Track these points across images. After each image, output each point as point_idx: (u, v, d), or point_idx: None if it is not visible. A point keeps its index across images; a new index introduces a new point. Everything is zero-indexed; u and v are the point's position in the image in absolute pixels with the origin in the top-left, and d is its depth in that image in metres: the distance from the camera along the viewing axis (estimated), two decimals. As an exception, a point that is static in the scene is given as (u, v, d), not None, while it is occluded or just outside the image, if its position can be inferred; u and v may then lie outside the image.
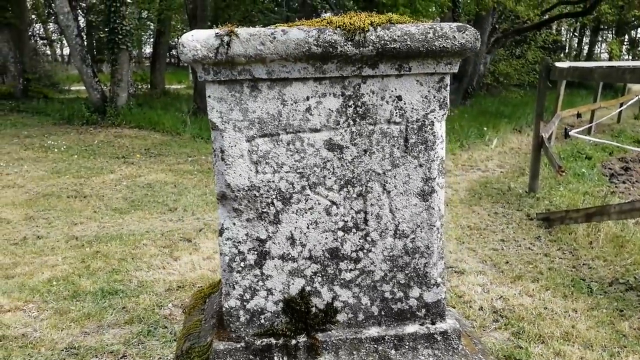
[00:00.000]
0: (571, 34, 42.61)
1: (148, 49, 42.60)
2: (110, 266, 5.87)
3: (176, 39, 38.87)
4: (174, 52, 40.25)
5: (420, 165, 1.83)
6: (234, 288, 1.85)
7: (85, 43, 19.45)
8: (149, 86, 24.47)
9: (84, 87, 17.51)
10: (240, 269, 1.84)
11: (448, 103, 1.82)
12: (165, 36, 26.44)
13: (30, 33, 27.82)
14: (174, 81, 30.78)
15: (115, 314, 4.85)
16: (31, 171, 10.44)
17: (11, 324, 4.63)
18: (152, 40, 34.54)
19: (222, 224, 1.83)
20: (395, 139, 1.81)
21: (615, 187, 9.77)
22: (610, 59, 30.96)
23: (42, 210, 7.98)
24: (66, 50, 40.59)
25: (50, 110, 17.88)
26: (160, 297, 5.18)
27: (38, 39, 34.12)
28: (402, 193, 1.84)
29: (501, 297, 5.20)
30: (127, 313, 4.87)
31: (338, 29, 1.68)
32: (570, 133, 10.81)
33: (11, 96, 20.52)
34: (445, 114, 1.82)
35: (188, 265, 5.91)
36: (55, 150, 12.35)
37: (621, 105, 16.80)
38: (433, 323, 1.92)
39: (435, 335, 1.90)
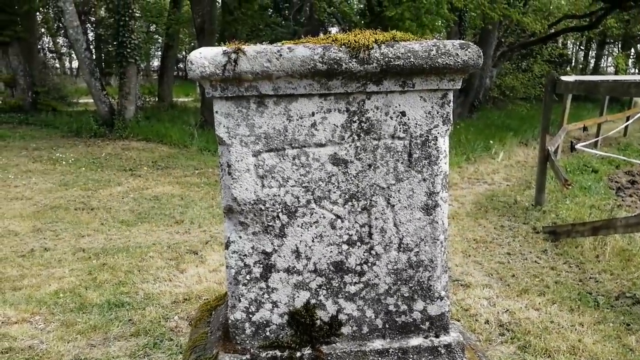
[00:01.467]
0: (577, 48, 42.66)
1: (156, 62, 42.92)
2: (117, 278, 5.89)
3: (184, 52, 39.14)
4: (181, 65, 40.49)
5: (424, 180, 1.86)
6: (239, 300, 1.87)
7: (94, 56, 19.58)
8: (157, 99, 24.59)
9: (92, 100, 17.63)
10: (246, 281, 1.87)
11: (451, 119, 1.85)
12: (173, 49, 26.63)
13: (39, 46, 28.07)
14: (182, 94, 30.93)
15: (121, 326, 4.87)
16: (39, 183, 10.51)
17: (18, 335, 4.65)
18: (160, 53, 34.81)
19: (229, 237, 1.85)
20: (399, 153, 1.84)
21: (622, 200, 9.74)
22: (616, 73, 30.97)
23: (50, 223, 8.02)
24: (75, 64, 40.91)
25: (59, 123, 17.99)
26: (166, 310, 5.19)
27: (47, 52, 34.42)
28: (406, 207, 1.87)
29: (507, 310, 5.19)
30: (133, 325, 4.89)
31: (343, 46, 1.71)
32: (576, 146, 10.81)
33: (20, 109, 20.66)
34: (448, 129, 1.85)
35: (194, 278, 5.93)
36: (63, 162, 12.42)
37: (628, 118, 16.79)
38: (437, 336, 1.94)
39: (439, 349, 1.91)
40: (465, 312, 5.16)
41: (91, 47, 18.66)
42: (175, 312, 5.16)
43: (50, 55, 35.57)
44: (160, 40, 32.79)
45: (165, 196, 9.74)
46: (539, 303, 5.36)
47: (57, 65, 39.31)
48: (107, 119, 16.51)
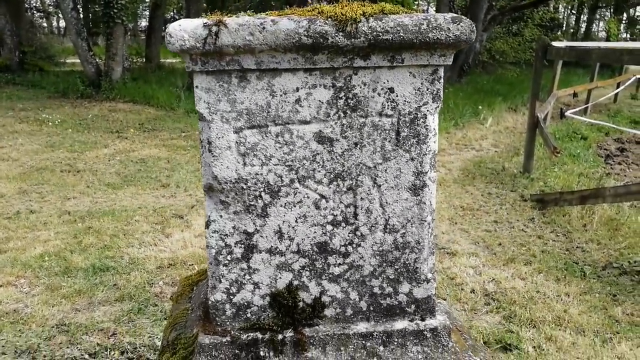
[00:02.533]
0: (569, 12, 42.31)
1: (144, 23, 42.16)
2: (102, 242, 5.84)
3: (172, 12, 38.41)
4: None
5: (412, 159, 1.79)
6: (220, 281, 1.82)
7: (81, 16, 19.13)
8: (144, 60, 24.23)
9: (79, 61, 17.36)
10: (227, 262, 1.81)
11: (442, 96, 1.78)
12: (161, 9, 26.12)
13: (27, 5, 27.46)
14: (169, 55, 30.42)
15: (106, 291, 4.84)
16: (25, 144, 10.37)
17: (2, 299, 4.62)
18: (147, 13, 34.14)
19: (209, 216, 1.79)
20: (387, 132, 1.77)
21: (611, 168, 9.75)
22: (607, 38, 30.78)
23: (36, 185, 7.94)
24: (62, 23, 40.13)
25: (46, 84, 17.75)
26: (151, 275, 5.17)
27: (35, 11, 33.64)
28: (392, 187, 1.81)
29: (493, 279, 5.20)
30: (118, 290, 4.86)
31: (329, 19, 1.62)
32: (566, 113, 10.79)
33: (7, 69, 20.32)
34: (438, 106, 1.78)
35: (179, 243, 5.90)
36: (50, 123, 12.25)
37: (618, 85, 16.75)
38: (423, 319, 1.90)
39: (425, 332, 1.87)
40: (451, 281, 5.16)
41: (78, 6, 18.21)
42: (160, 278, 5.13)
43: (38, 14, 34.80)
44: (147, 0, 32.11)
45: (152, 159, 9.64)
46: (525, 272, 5.36)
47: (45, 24, 38.55)
48: (94, 80, 16.28)
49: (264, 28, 1.59)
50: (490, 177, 9.04)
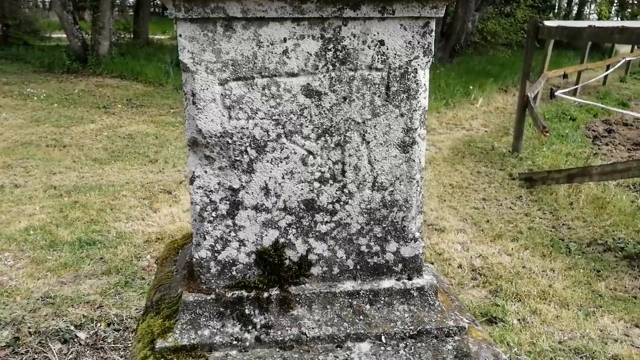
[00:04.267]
0: (561, -6, 42.21)
1: (132, -2, 41.65)
2: (89, 216, 5.79)
3: (160, -12, 37.97)
4: (158, 1, 39.39)
5: (402, 115, 1.75)
6: (204, 238, 1.78)
7: (67, -11, 18.87)
8: (132, 35, 23.96)
9: (65, 35, 17.12)
10: (211, 218, 1.77)
11: (433, 50, 1.74)
12: (149, -16, 25.81)
13: (10, -23, 26.99)
14: (158, 31, 30.15)
15: (92, 264, 4.81)
16: (10, 119, 10.24)
17: (-14, 272, 4.58)
18: (136, -12, 33.68)
19: (193, 172, 1.75)
20: (377, 86, 1.72)
21: (598, 149, 9.79)
22: (599, 20, 30.77)
23: (21, 159, 7.84)
24: (47, -3, 39.56)
25: (30, 58, 17.52)
26: (138, 249, 5.14)
27: (18, -17, 33.10)
28: (381, 144, 1.77)
29: (480, 255, 5.21)
30: (105, 264, 4.83)
31: (318, -35, 1.57)
32: (556, 94, 10.78)
33: (-10, 42, 20.07)
34: (429, 61, 1.73)
35: (167, 218, 5.86)
36: (35, 98, 12.10)
37: (608, 67, 16.77)
38: (410, 278, 1.87)
39: (412, 291, 1.85)
40: (439, 257, 5.16)
41: (64, -22, 17.95)
42: (148, 252, 5.11)
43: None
44: (136, -25, 31.67)
45: (140, 135, 9.56)
46: (512, 248, 5.38)
47: (29, -3, 37.96)
48: (80, 55, 16.07)
49: (250, -27, 1.54)
50: (480, 156, 9.05)
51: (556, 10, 39.38)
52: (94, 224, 5.63)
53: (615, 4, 37.10)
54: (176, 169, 7.71)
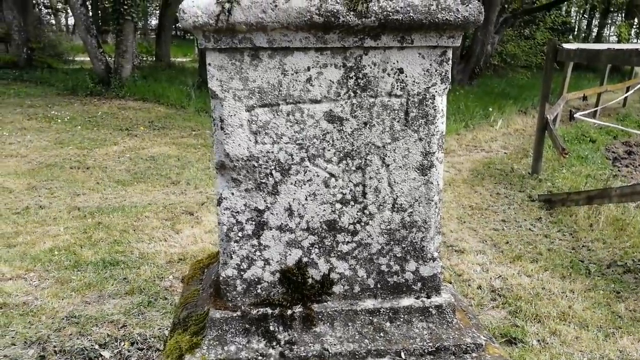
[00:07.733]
0: (580, 16, 42.21)
1: (154, 21, 42.36)
2: (112, 237, 5.89)
3: (182, 11, 38.43)
4: (179, 24, 39.96)
5: (420, 139, 1.83)
6: (231, 257, 1.86)
7: (90, 13, 19.18)
8: (154, 58, 24.32)
9: (89, 58, 17.43)
10: (238, 238, 1.85)
11: (450, 77, 1.81)
12: (171, 8, 26.16)
13: (34, 1, 27.58)
14: (180, 54, 30.61)
15: (116, 284, 4.88)
16: (34, 141, 10.44)
17: (12, 292, 4.66)
18: (157, 11, 34.28)
19: (221, 194, 1.83)
20: (396, 112, 1.80)
21: (618, 170, 9.74)
22: (619, 42, 30.67)
23: (45, 181, 7.99)
24: (71, 20, 40.31)
25: (54, 81, 17.81)
26: (161, 269, 5.21)
27: (42, 7, 33.80)
28: (401, 167, 1.84)
29: (500, 276, 5.21)
30: (128, 284, 4.90)
31: (340, -2, 1.66)
32: (575, 115, 10.77)
33: (15, 65, 20.40)
34: (446, 88, 1.81)
35: (190, 238, 5.94)
36: (59, 120, 12.33)
37: (627, 89, 16.68)
38: (428, 297, 1.93)
39: (430, 309, 1.91)
40: (459, 277, 5.18)
41: (87, 3, 18.30)
42: (170, 272, 5.17)
43: (46, 10, 34.96)
44: (157, -2, 32.27)
45: (162, 157, 9.70)
46: (532, 270, 5.38)
47: (53, 21, 38.71)
48: (103, 77, 16.33)
49: (276, 6, 1.63)
50: (499, 177, 9.05)
51: (576, 33, 39.34)
52: (117, 244, 5.72)
53: (635, 26, 36.98)
54: (198, 190, 7.80)
